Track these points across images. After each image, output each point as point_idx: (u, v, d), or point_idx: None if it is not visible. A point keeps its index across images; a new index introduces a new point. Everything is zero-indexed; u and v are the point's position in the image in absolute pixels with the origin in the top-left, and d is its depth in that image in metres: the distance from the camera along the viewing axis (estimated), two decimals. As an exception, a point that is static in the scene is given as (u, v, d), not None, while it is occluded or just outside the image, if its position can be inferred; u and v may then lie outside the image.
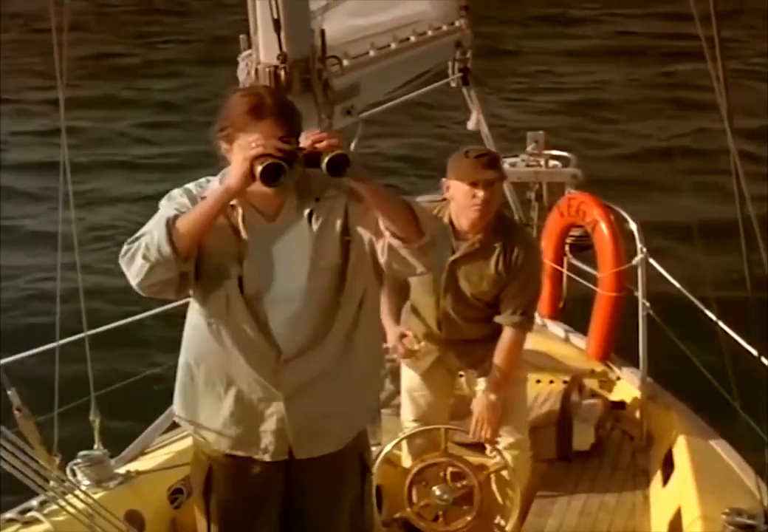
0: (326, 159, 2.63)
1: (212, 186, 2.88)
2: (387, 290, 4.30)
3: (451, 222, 4.22)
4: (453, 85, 5.60)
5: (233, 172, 2.70)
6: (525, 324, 4.29)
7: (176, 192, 2.91)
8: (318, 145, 2.66)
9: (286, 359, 2.92)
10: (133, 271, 2.75)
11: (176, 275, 2.76)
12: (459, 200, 4.17)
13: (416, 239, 2.75)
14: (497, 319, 4.28)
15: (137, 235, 2.80)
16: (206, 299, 2.93)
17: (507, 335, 4.27)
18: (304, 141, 2.71)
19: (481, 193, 4.10)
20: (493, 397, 4.28)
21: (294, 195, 2.89)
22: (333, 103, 3.61)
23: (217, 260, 2.87)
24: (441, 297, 4.28)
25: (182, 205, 2.84)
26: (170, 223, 2.72)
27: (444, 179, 4.23)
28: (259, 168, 2.63)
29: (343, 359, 2.97)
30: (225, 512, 3.11)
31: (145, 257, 2.72)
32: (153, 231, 2.75)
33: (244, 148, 2.70)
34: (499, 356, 4.26)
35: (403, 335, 4.32)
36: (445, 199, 4.27)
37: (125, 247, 2.78)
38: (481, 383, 4.40)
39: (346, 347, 2.97)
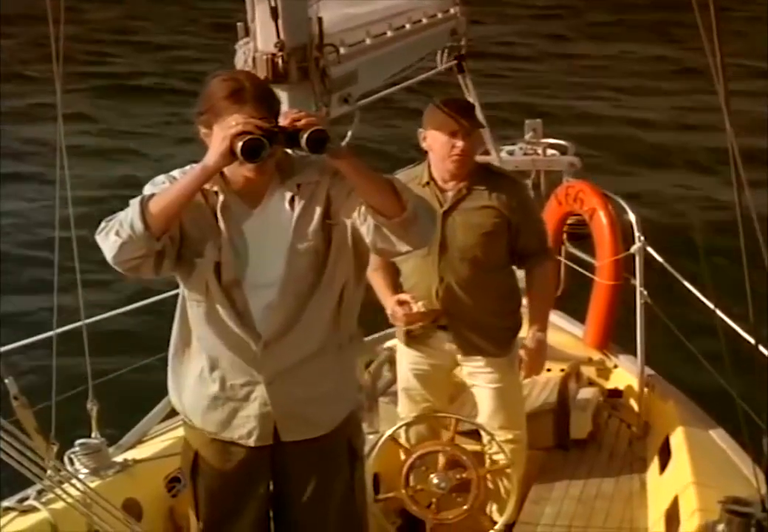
0: (305, 135, 2.64)
1: None
2: (382, 264, 4.23)
3: (432, 177, 4.17)
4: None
5: (212, 151, 2.70)
6: (550, 256, 4.46)
7: (160, 178, 2.93)
8: (297, 123, 2.67)
9: (266, 344, 2.93)
10: (107, 246, 2.77)
11: (150, 252, 2.77)
12: (437, 151, 4.13)
13: (398, 214, 2.74)
14: (525, 266, 4.34)
15: (115, 214, 2.81)
16: (188, 282, 2.96)
17: (537, 272, 4.31)
18: (283, 120, 2.72)
19: (460, 143, 4.07)
20: (540, 335, 4.30)
21: (276, 182, 2.91)
22: (331, 91, 3.60)
23: (197, 245, 2.89)
24: (438, 259, 4.16)
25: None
26: (144, 201, 2.74)
27: (421, 130, 4.19)
28: (239, 144, 2.63)
29: (326, 344, 2.98)
30: (212, 497, 3.12)
31: (117, 233, 2.73)
32: (128, 209, 2.77)
33: (224, 128, 2.69)
34: (536, 294, 4.32)
35: (401, 302, 4.18)
36: (420, 163, 4.24)
37: (102, 224, 2.80)
38: (475, 378, 4.38)
39: (328, 332, 2.98)
